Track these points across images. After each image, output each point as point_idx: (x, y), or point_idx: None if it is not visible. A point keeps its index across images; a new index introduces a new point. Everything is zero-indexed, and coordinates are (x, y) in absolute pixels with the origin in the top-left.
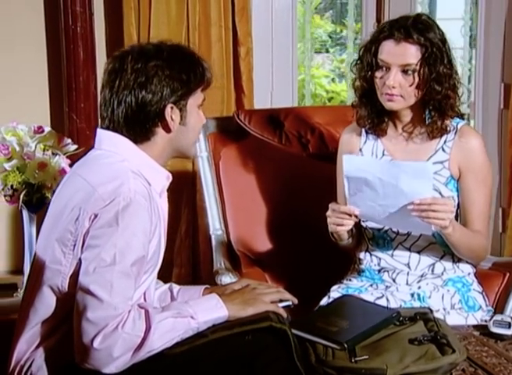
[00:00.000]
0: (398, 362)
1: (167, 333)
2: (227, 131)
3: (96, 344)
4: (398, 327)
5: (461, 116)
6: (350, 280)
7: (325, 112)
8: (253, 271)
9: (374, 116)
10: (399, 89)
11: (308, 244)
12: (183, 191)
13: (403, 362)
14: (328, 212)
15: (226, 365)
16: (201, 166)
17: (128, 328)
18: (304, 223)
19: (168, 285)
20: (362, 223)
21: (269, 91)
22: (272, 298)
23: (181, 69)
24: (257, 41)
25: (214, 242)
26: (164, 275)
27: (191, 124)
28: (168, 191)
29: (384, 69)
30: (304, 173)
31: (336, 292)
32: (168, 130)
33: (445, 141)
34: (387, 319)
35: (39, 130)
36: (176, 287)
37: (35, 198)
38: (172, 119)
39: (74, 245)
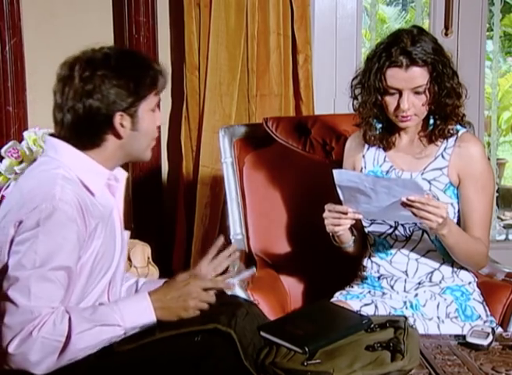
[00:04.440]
0: (347, 367)
1: (91, 341)
2: (253, 138)
3: (11, 349)
4: (366, 334)
5: (463, 124)
6: (352, 286)
7: (353, 120)
8: (265, 274)
9: (385, 132)
10: (413, 109)
11: (327, 251)
12: None
13: (351, 367)
14: (325, 214)
15: (173, 364)
16: (225, 171)
17: (46, 332)
18: (323, 230)
19: (135, 279)
20: (365, 229)
21: (332, 98)
22: (207, 299)
23: (129, 78)
24: (320, 48)
25: None
26: None
27: (144, 129)
28: None
29: (394, 93)
30: (325, 180)
31: (336, 298)
32: (118, 136)
33: (445, 148)
34: (355, 326)
35: None
36: (141, 281)
37: None
38: (122, 126)
39: (2, 252)
